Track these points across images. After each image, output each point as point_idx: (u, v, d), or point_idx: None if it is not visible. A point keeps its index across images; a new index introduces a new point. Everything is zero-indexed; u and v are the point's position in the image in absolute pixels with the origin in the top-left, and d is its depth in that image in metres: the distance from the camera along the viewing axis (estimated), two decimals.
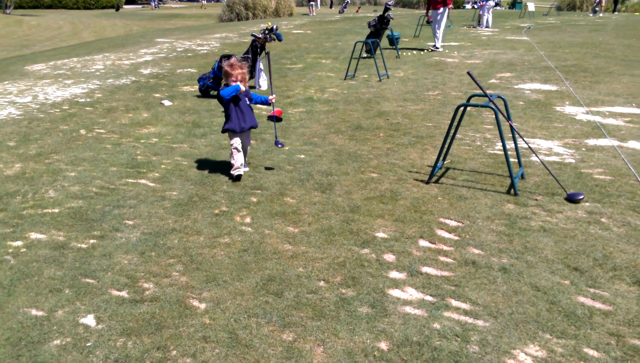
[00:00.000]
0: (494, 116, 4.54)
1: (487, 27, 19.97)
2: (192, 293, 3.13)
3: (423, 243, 3.68)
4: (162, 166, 5.40)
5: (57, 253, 3.64)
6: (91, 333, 2.79)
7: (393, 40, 13.79)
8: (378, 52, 11.38)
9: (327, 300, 3.02)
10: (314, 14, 35.19)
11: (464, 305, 2.94)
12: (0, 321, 2.92)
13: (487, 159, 5.30)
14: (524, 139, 4.73)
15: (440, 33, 13.65)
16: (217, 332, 2.76)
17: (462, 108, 4.58)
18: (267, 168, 5.16)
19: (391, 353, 2.57)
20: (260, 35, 8.95)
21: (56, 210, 4.38)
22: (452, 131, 4.73)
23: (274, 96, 5.16)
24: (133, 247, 3.71)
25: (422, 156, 5.50)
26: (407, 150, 5.70)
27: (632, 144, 5.67)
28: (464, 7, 40.32)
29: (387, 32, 13.57)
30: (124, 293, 3.14)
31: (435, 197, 4.42)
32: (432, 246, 3.63)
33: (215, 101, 8.56)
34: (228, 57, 8.60)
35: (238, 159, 4.87)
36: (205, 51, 15.33)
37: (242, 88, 4.80)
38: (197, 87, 9.57)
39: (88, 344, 2.70)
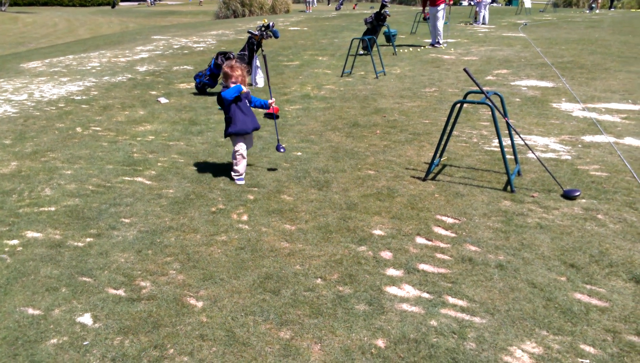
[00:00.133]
0: (490, 112, 4.55)
1: (483, 23, 19.97)
2: (189, 291, 3.13)
3: (420, 240, 3.68)
4: (159, 163, 5.39)
5: (54, 252, 3.64)
6: (88, 332, 2.78)
7: (390, 37, 13.78)
8: (375, 49, 11.37)
9: (324, 297, 3.02)
10: (311, 10, 35.13)
11: (460, 302, 2.95)
12: None
13: (483, 156, 5.31)
14: (520, 136, 4.73)
15: (441, 29, 13.70)
16: (215, 330, 2.76)
17: (458, 105, 4.58)
18: (269, 169, 5.09)
19: (388, 350, 2.57)
20: (256, 32, 8.93)
21: (52, 208, 4.37)
22: (449, 127, 4.73)
23: (274, 100, 5.00)
24: (130, 245, 3.70)
25: (419, 153, 5.50)
26: (403, 147, 5.70)
27: (628, 140, 5.69)
28: (460, 3, 40.33)
29: (384, 29, 13.56)
30: (120, 292, 3.14)
31: (432, 194, 4.42)
32: (429, 243, 3.63)
33: (212, 99, 8.54)
34: (224, 54, 8.62)
35: (242, 166, 4.78)
36: (201, 48, 15.29)
37: (244, 89, 4.67)
38: (193, 84, 9.54)
39: (85, 343, 2.69)
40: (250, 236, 3.79)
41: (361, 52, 12.39)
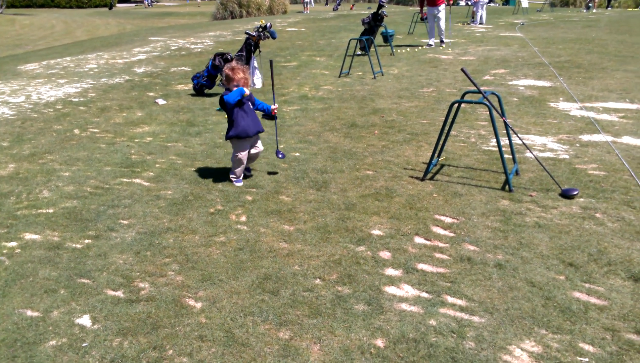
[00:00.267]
0: (488, 112, 4.55)
1: (481, 23, 19.99)
2: (188, 292, 3.12)
3: (418, 240, 3.68)
4: (157, 165, 5.39)
5: (52, 254, 3.63)
6: (87, 333, 2.78)
7: (387, 38, 13.79)
8: (372, 49, 11.38)
9: (323, 297, 3.02)
10: (308, 11, 35.14)
11: (459, 302, 2.95)
12: None
13: (481, 156, 5.31)
14: (518, 136, 4.74)
15: (443, 28, 13.78)
16: (214, 330, 2.76)
17: (456, 105, 4.58)
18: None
19: (387, 350, 2.58)
20: (254, 33, 8.93)
21: (50, 210, 4.36)
22: (447, 127, 4.74)
23: (277, 106, 4.92)
24: (128, 247, 3.70)
25: (417, 153, 5.50)
26: (402, 147, 5.70)
27: (626, 139, 5.70)
28: (457, 3, 40.37)
29: (381, 29, 13.59)
30: (119, 293, 3.14)
31: (430, 194, 4.42)
32: (428, 243, 3.64)
33: (209, 100, 8.54)
34: (222, 55, 8.62)
35: (239, 170, 4.76)
36: (199, 49, 15.28)
37: (247, 92, 4.58)
38: (191, 85, 9.53)
39: (84, 344, 2.69)
40: (248, 237, 3.79)
41: (359, 52, 12.40)
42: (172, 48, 15.92)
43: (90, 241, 3.81)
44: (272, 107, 4.86)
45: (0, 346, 2.71)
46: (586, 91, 8.07)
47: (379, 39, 14.38)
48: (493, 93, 4.62)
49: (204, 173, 5.09)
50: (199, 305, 2.99)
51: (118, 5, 58.94)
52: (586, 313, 2.81)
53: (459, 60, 11.48)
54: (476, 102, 4.45)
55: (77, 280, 3.29)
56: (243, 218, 4.10)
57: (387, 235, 3.75)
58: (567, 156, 5.22)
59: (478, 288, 3.07)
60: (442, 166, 5.08)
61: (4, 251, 3.69)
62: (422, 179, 4.73)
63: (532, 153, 4.79)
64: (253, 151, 4.79)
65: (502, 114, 4.58)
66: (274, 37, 9.23)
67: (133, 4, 60.29)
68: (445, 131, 4.76)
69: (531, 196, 4.31)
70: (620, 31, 16.45)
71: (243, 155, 4.69)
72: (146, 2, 57.03)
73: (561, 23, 20.22)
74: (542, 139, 5.79)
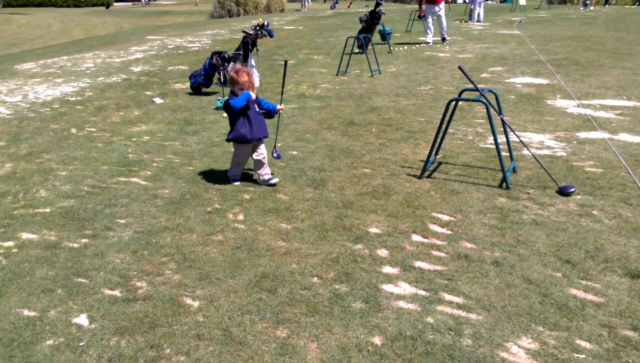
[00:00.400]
0: (485, 110, 4.56)
1: (478, 21, 19.99)
2: (186, 291, 3.12)
3: (416, 237, 3.68)
4: (154, 164, 5.38)
5: (49, 253, 3.62)
6: (84, 332, 2.77)
7: (385, 36, 13.78)
8: (370, 47, 11.37)
9: (321, 296, 3.02)
10: (306, 9, 35.11)
11: (457, 299, 2.95)
12: None
13: (479, 154, 5.32)
14: (515, 133, 4.75)
15: (445, 26, 13.85)
16: (211, 329, 2.75)
17: (453, 103, 4.58)
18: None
19: (385, 347, 2.58)
20: (251, 32, 8.91)
21: (47, 210, 4.36)
22: (444, 125, 4.74)
23: (283, 107, 4.89)
24: (125, 246, 3.69)
25: (415, 151, 5.50)
26: (399, 145, 5.70)
27: (623, 136, 5.71)
28: (455, 1, 40.37)
29: (379, 27, 13.56)
30: (116, 292, 3.13)
31: (427, 192, 4.43)
32: (425, 240, 3.64)
33: (207, 98, 8.53)
34: (219, 53, 8.60)
35: (238, 170, 4.75)
36: (196, 48, 15.26)
37: (253, 96, 4.49)
38: (188, 84, 9.52)
39: (81, 344, 2.68)
40: (246, 235, 3.78)
41: (356, 50, 12.39)
42: (170, 47, 15.90)
43: (87, 240, 3.80)
44: (278, 107, 4.82)
45: None
46: (583, 88, 8.07)
47: (376, 37, 14.36)
48: (490, 91, 4.62)
49: (202, 171, 5.09)
50: (196, 303, 2.99)
51: (115, 3, 58.80)
52: (583, 310, 2.81)
53: (457, 58, 11.48)
54: (473, 100, 4.45)
55: (74, 279, 3.29)
56: (240, 217, 4.09)
57: (384, 232, 3.75)
58: (564, 154, 5.23)
59: (475, 285, 3.07)
60: (440, 163, 5.08)
61: (1, 251, 3.69)
62: (420, 177, 4.73)
63: (529, 151, 4.79)
64: (255, 156, 4.64)
65: (500, 112, 4.59)
66: (271, 36, 9.21)
67: (130, 3, 60.17)
68: (443, 128, 4.76)
69: (528, 193, 4.32)
70: (618, 28, 16.46)
71: (242, 158, 4.68)
72: (143, 1, 56.90)
73: (559, 20, 20.23)
74: (539, 137, 5.79)
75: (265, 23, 9.05)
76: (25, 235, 3.92)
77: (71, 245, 3.75)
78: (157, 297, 3.06)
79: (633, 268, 3.18)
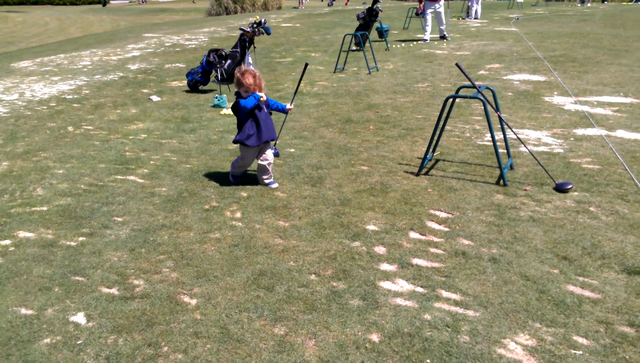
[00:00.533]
0: (482, 107, 4.56)
1: (476, 18, 19.98)
2: (183, 289, 3.12)
3: (413, 234, 3.69)
4: (151, 162, 5.37)
5: (46, 251, 3.62)
6: (81, 331, 2.77)
7: (382, 33, 13.77)
8: (367, 44, 11.35)
9: (319, 293, 3.02)
10: (303, 7, 35.03)
11: (454, 296, 2.95)
12: None
13: (476, 151, 5.32)
14: (512, 130, 4.75)
15: (445, 23, 13.90)
16: (209, 327, 2.75)
17: (451, 100, 4.58)
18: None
19: (382, 344, 2.58)
20: (248, 29, 8.90)
21: (44, 208, 4.35)
22: (442, 122, 4.74)
23: (292, 106, 4.83)
24: (123, 244, 3.69)
25: (412, 148, 5.51)
26: (397, 142, 5.70)
27: (620, 133, 5.71)
28: None
29: (376, 24, 13.55)
30: (114, 291, 3.13)
31: (425, 189, 4.43)
32: (423, 237, 3.64)
33: (204, 96, 8.52)
34: (216, 51, 8.59)
35: (238, 171, 4.70)
36: (193, 46, 15.23)
37: (263, 97, 4.40)
38: (185, 82, 9.50)
39: (78, 342, 2.68)
40: (243, 233, 3.78)
41: (354, 48, 12.37)
42: (167, 44, 15.86)
43: (84, 238, 3.80)
44: (288, 106, 4.76)
45: None
46: (581, 85, 8.08)
47: (374, 35, 14.35)
48: (488, 88, 4.62)
49: (199, 169, 5.08)
50: (193, 301, 2.99)
51: (112, 1, 58.62)
52: (580, 306, 2.82)
53: (454, 55, 11.47)
54: (471, 97, 4.45)
55: (72, 277, 3.29)
56: (238, 215, 4.09)
57: (382, 230, 3.75)
58: (562, 150, 5.23)
59: (472, 282, 3.08)
60: (437, 161, 5.08)
61: None
62: (417, 174, 4.73)
63: (526, 147, 4.79)
64: (260, 161, 4.54)
65: (497, 109, 4.59)
66: (268, 33, 9.20)
67: (127, 0, 59.97)
68: (440, 126, 4.76)
69: (525, 190, 4.32)
70: (615, 25, 16.47)
71: (247, 161, 4.60)
72: None
73: (556, 17, 20.24)
74: (536, 134, 5.80)
75: (263, 20, 9.04)
76: (22, 233, 3.91)
77: (68, 243, 3.74)
78: (155, 295, 3.05)
79: (630, 264, 3.18)
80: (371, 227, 3.80)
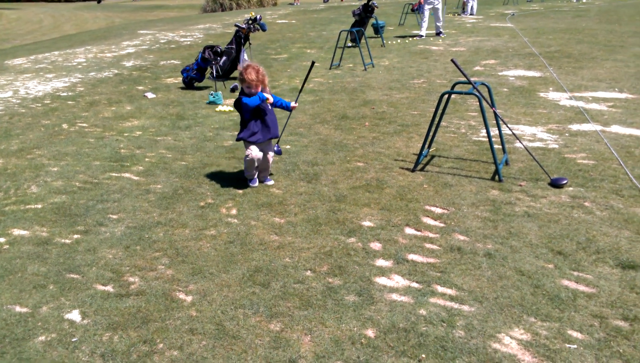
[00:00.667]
0: (478, 103, 4.56)
1: (471, 14, 19.99)
2: (178, 286, 3.11)
3: (409, 230, 3.69)
4: (146, 159, 5.36)
5: (41, 249, 3.61)
6: (76, 328, 2.76)
7: (378, 29, 13.76)
8: (363, 41, 11.35)
9: (314, 289, 3.02)
10: (299, 3, 34.96)
11: (449, 291, 2.96)
12: None
13: (471, 146, 5.33)
14: (507, 126, 4.76)
15: (442, 20, 13.95)
16: (204, 324, 2.75)
17: (446, 96, 4.58)
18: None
19: (378, 340, 2.58)
20: (243, 26, 8.88)
21: (39, 206, 4.33)
22: (437, 118, 4.74)
23: (297, 104, 4.68)
24: (118, 241, 3.68)
25: (408, 144, 5.51)
26: (392, 139, 5.70)
27: (615, 128, 5.73)
28: None
29: (372, 20, 13.54)
30: (109, 288, 3.12)
31: (420, 185, 4.43)
32: (418, 233, 3.64)
33: (199, 93, 8.49)
34: (212, 48, 8.56)
35: (250, 171, 4.48)
36: (188, 42, 15.18)
37: (270, 98, 4.32)
38: (180, 79, 9.48)
39: (74, 339, 2.67)
40: (239, 229, 3.78)
41: (349, 44, 12.36)
42: (162, 41, 15.80)
43: (79, 236, 3.79)
44: (292, 104, 4.60)
45: None
46: (576, 80, 8.09)
47: (369, 31, 14.33)
48: (483, 84, 4.63)
49: (194, 166, 5.07)
50: (189, 298, 2.99)
51: None
52: (575, 300, 2.83)
53: (450, 51, 11.47)
54: (466, 93, 4.45)
55: (66, 275, 3.28)
56: (233, 211, 4.08)
57: (377, 226, 3.75)
58: (557, 146, 5.25)
59: (468, 277, 3.08)
60: (433, 157, 5.08)
61: None
62: (413, 170, 4.74)
63: (521, 143, 4.80)
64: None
65: (492, 105, 4.59)
66: (264, 30, 9.19)
67: None
68: (436, 122, 4.76)
69: (521, 185, 4.33)
70: (610, 21, 16.50)
71: (253, 156, 4.37)
72: None
73: (551, 13, 20.26)
74: (531, 129, 5.81)
75: (258, 17, 9.02)
76: (16, 231, 3.90)
77: (63, 240, 3.73)
78: (150, 292, 3.05)
79: (624, 259, 3.20)
80: (367, 223, 3.80)
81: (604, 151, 5.04)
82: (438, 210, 3.97)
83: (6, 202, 4.43)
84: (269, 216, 3.98)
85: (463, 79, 4.61)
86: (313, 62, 5.03)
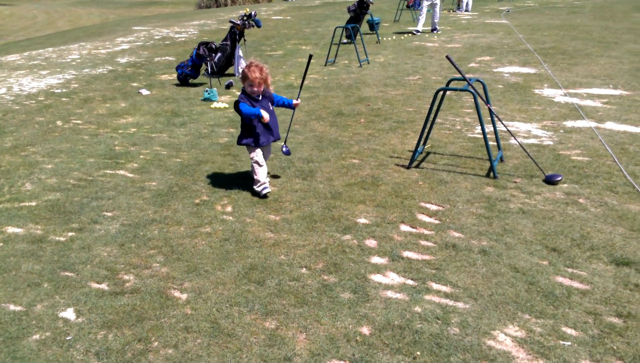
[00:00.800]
0: (473, 99, 4.56)
1: (466, 10, 19.98)
2: (173, 283, 3.11)
3: (404, 227, 3.69)
4: (141, 156, 5.34)
5: (35, 247, 3.59)
6: (71, 326, 2.76)
7: (373, 25, 13.74)
8: (358, 37, 11.33)
9: (309, 286, 3.02)
10: None
11: (444, 288, 2.97)
12: None
13: (466, 143, 5.33)
14: (502, 123, 4.76)
15: (439, 16, 14.03)
16: (199, 322, 2.75)
17: (441, 92, 4.58)
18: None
19: (373, 337, 2.59)
20: (238, 22, 8.85)
21: (33, 203, 4.31)
22: (432, 115, 4.74)
23: (299, 101, 4.54)
24: (112, 239, 3.67)
25: (403, 141, 5.51)
26: (387, 135, 5.70)
27: (609, 125, 5.75)
28: None
29: (367, 17, 13.51)
30: (103, 286, 3.11)
31: (416, 182, 4.43)
32: (413, 230, 3.65)
33: (194, 90, 8.46)
34: (206, 44, 8.53)
35: (261, 174, 4.24)
36: (183, 39, 15.11)
37: (266, 117, 4.11)
38: (175, 75, 9.44)
39: (68, 338, 2.67)
40: (234, 227, 3.77)
41: (345, 40, 12.33)
42: (156, 38, 15.73)
43: (73, 233, 3.77)
44: (295, 101, 4.47)
45: None
46: (570, 77, 8.11)
47: (364, 27, 14.31)
48: (478, 80, 4.63)
49: (189, 163, 5.05)
50: (184, 296, 2.98)
51: None
52: (569, 297, 2.84)
53: (445, 47, 11.47)
54: (461, 90, 4.45)
55: (61, 273, 3.26)
56: (229, 209, 4.08)
57: (372, 223, 3.75)
58: (551, 142, 5.26)
59: (463, 274, 3.09)
60: (428, 153, 5.09)
61: None
62: (408, 167, 4.74)
63: (516, 140, 4.81)
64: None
65: (487, 102, 4.60)
66: (259, 26, 9.15)
67: None
68: (431, 118, 4.76)
69: (515, 182, 4.34)
70: (605, 17, 16.53)
71: (259, 157, 4.25)
72: None
73: (546, 10, 20.28)
74: (526, 126, 5.82)
75: (253, 13, 8.99)
76: (10, 229, 3.88)
77: (57, 238, 3.71)
78: (145, 290, 3.04)
79: (618, 255, 3.21)
80: (362, 220, 3.80)
81: (598, 147, 5.06)
82: (433, 207, 3.97)
83: (0, 200, 4.40)
84: (264, 213, 3.98)
85: (458, 75, 4.61)
86: (311, 56, 4.95)
